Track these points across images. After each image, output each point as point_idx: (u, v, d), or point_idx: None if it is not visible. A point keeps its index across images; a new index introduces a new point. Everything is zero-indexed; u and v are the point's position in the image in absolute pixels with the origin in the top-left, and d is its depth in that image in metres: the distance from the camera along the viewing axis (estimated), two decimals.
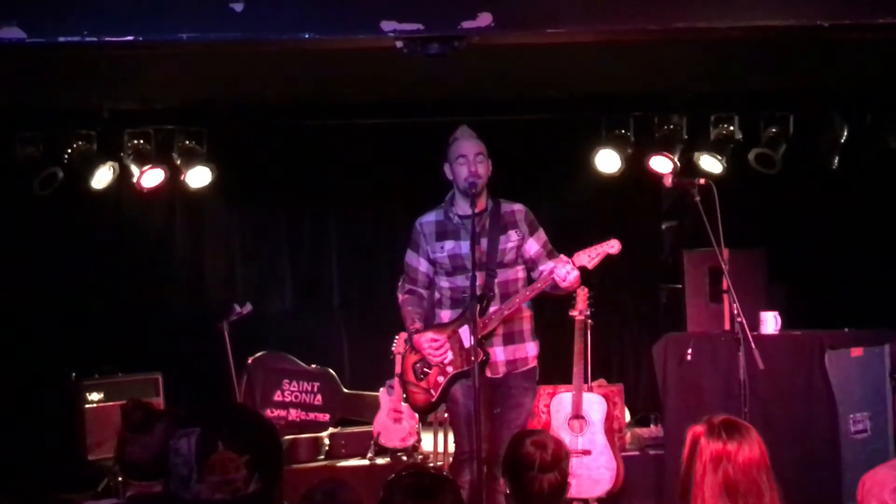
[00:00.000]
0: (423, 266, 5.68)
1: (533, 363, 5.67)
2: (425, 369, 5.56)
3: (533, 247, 5.61)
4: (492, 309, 5.45)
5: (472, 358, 5.14)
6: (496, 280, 5.49)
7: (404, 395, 5.91)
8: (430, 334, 5.51)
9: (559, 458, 4.18)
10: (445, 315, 5.64)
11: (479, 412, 5.03)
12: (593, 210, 8.85)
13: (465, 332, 5.47)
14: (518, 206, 5.66)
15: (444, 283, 5.64)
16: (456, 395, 5.55)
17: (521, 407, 5.57)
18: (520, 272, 5.62)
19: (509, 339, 5.56)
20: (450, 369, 5.51)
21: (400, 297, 5.78)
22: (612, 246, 5.45)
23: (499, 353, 5.52)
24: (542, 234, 5.67)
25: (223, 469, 3.05)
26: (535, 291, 5.47)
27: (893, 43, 5.68)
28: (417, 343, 5.53)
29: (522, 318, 5.62)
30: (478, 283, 5.27)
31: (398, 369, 7.01)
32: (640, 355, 8.87)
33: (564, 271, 5.30)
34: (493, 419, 5.45)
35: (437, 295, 5.71)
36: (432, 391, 5.55)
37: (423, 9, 4.70)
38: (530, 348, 5.64)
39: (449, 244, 5.56)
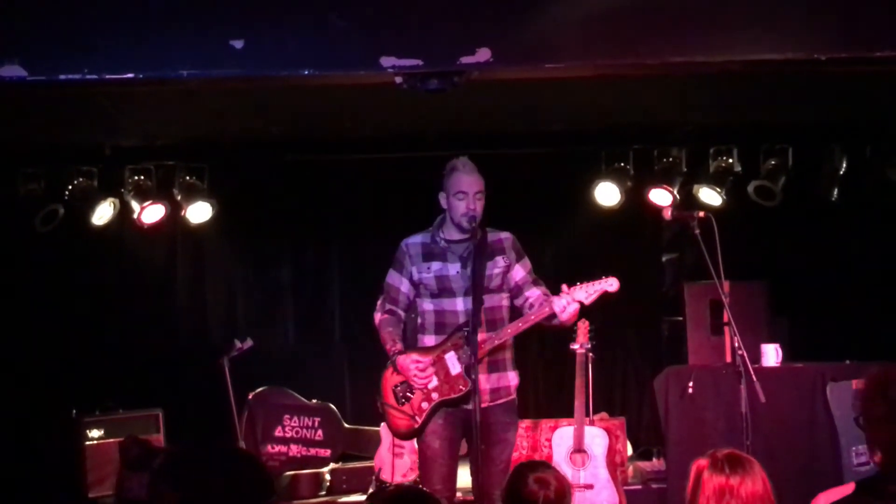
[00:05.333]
0: (404, 287, 5.60)
1: (513, 394, 5.59)
2: (407, 393, 5.45)
3: (519, 273, 5.57)
4: (482, 337, 5.33)
5: (462, 387, 5.21)
6: (482, 307, 5.39)
7: (384, 420, 5.75)
8: (414, 356, 5.41)
9: (563, 494, 4.15)
10: (429, 340, 5.53)
11: (477, 445, 4.99)
12: (593, 243, 8.85)
13: (451, 358, 5.41)
14: (505, 234, 5.62)
15: (427, 306, 5.56)
16: (427, 430, 5.45)
17: (504, 443, 5.48)
18: (504, 299, 5.56)
19: (493, 367, 5.47)
20: (435, 396, 5.40)
21: (378, 316, 5.65)
22: (611, 284, 5.41)
23: (483, 380, 5.37)
24: (527, 262, 5.63)
25: (160, 502, 3.09)
26: (529, 323, 5.41)
27: (891, 75, 5.70)
28: (402, 365, 5.40)
29: (505, 347, 5.52)
30: (463, 308, 5.31)
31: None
32: (641, 388, 8.84)
33: (564, 302, 5.28)
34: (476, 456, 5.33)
35: (418, 320, 5.62)
36: (416, 417, 5.43)
37: (422, 45, 4.72)
38: (511, 377, 5.56)
39: (436, 265, 5.50)
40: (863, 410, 3.51)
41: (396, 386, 5.50)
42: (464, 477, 5.56)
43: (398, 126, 7.99)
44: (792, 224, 8.44)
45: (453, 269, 5.46)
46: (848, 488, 3.52)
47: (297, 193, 8.96)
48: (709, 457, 3.58)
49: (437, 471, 5.42)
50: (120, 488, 3.96)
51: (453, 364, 5.40)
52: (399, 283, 5.62)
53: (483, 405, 5.34)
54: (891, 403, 3.40)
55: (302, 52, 4.75)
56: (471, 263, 5.38)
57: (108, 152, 8.18)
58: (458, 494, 5.82)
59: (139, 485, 3.85)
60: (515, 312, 5.56)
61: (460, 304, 5.41)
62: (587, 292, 5.36)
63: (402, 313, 5.64)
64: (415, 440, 5.67)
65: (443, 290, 5.50)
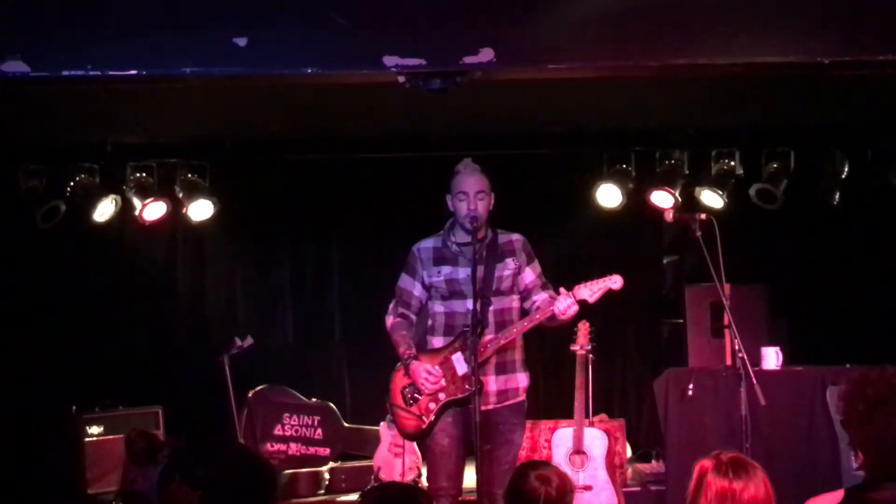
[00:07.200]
0: (417, 291, 5.61)
1: (522, 395, 5.59)
2: (415, 395, 5.47)
3: (529, 276, 5.58)
4: (487, 338, 5.37)
5: (468, 386, 5.16)
6: (491, 308, 5.43)
7: (392, 420, 5.79)
8: (427, 365, 5.42)
9: (564, 492, 4.16)
10: (437, 342, 5.56)
11: (477, 445, 5.00)
12: (595, 245, 8.86)
13: (458, 359, 5.42)
14: (516, 236, 5.64)
15: (438, 307, 5.58)
16: (436, 428, 5.46)
17: (510, 443, 5.49)
18: (515, 301, 5.57)
19: (501, 368, 5.49)
20: (442, 396, 5.41)
21: (390, 320, 5.67)
22: (615, 281, 5.43)
23: (491, 382, 5.43)
24: (537, 265, 5.65)
25: (173, 500, 3.09)
26: (534, 322, 5.43)
27: (894, 79, 5.70)
28: (415, 370, 5.42)
29: (515, 348, 5.54)
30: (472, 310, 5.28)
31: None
32: (641, 390, 8.84)
33: (565, 305, 5.30)
34: (482, 455, 5.27)
35: (429, 321, 5.65)
36: (424, 417, 5.44)
37: (425, 44, 4.73)
38: (521, 379, 5.57)
39: (446, 269, 5.51)
40: (844, 411, 3.51)
41: (405, 388, 5.53)
42: (471, 476, 5.56)
43: (400, 126, 7.99)
44: (793, 227, 8.45)
45: (463, 272, 5.45)
46: (837, 495, 3.51)
47: (298, 192, 8.96)
48: (713, 458, 3.56)
49: (444, 468, 5.44)
50: (125, 481, 3.95)
51: (460, 365, 5.41)
52: (412, 287, 5.63)
53: (490, 406, 5.41)
54: (868, 402, 3.40)
55: (305, 51, 4.76)
56: (479, 266, 5.37)
57: (110, 149, 8.19)
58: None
59: (144, 478, 3.85)
60: (524, 314, 5.58)
61: (470, 307, 5.37)
62: (591, 290, 5.38)
63: (413, 317, 5.66)
64: (420, 440, 5.68)
65: (453, 292, 5.51)
